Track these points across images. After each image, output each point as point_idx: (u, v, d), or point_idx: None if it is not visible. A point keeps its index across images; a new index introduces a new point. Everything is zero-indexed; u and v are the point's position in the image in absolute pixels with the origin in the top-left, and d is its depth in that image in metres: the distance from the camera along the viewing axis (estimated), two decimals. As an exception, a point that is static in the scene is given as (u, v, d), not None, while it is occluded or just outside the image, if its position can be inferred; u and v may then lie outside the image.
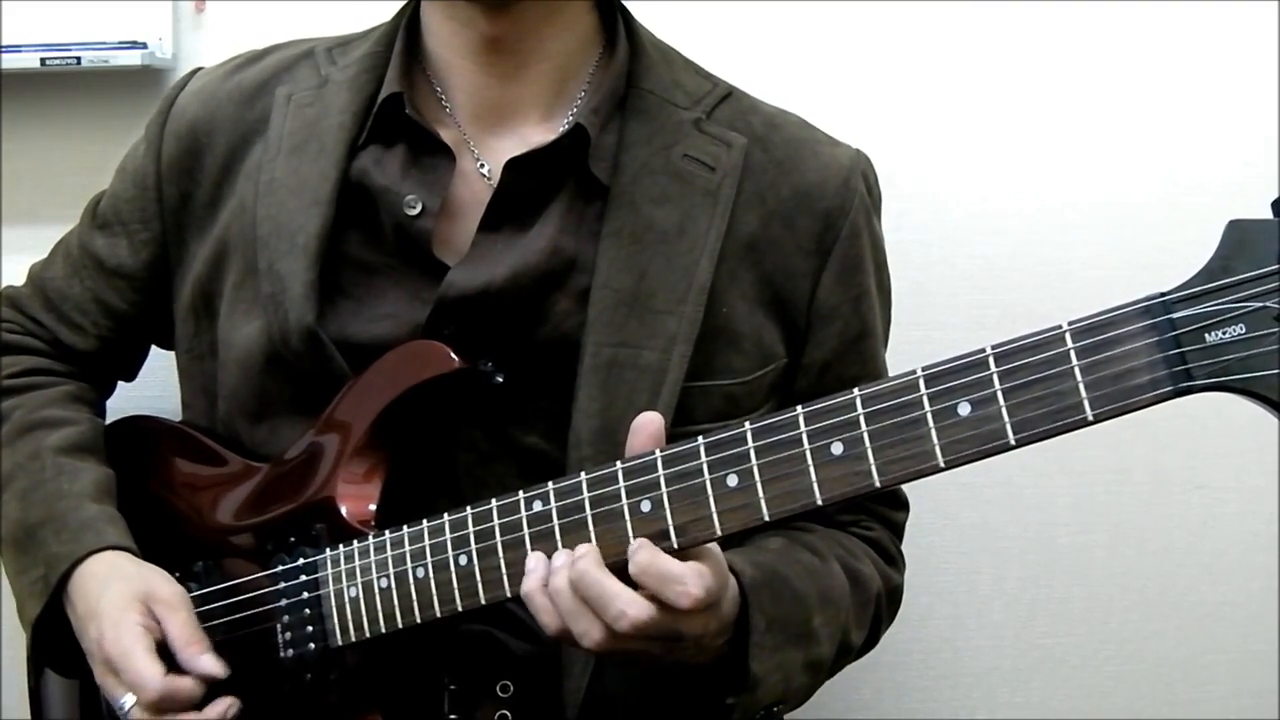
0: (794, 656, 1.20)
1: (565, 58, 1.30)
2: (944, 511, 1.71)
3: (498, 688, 1.24)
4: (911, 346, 1.38)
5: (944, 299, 1.71)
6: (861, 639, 1.32)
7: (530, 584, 1.08)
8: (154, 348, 1.50)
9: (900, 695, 1.77)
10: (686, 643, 1.08)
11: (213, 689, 1.24)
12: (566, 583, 1.06)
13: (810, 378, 1.31)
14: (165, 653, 1.24)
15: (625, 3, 1.36)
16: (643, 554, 1.04)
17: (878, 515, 1.39)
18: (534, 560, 1.09)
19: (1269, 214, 0.91)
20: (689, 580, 1.03)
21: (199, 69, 1.43)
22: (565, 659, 1.21)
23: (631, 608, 1.03)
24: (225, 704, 1.24)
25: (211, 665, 1.23)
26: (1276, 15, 1.66)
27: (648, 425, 1.08)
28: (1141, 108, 1.69)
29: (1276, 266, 0.88)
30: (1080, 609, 1.76)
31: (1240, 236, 0.91)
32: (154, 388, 1.56)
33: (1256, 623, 1.74)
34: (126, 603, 1.24)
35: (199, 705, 1.23)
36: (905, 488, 1.41)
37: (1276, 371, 0.88)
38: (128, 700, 1.22)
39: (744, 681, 1.16)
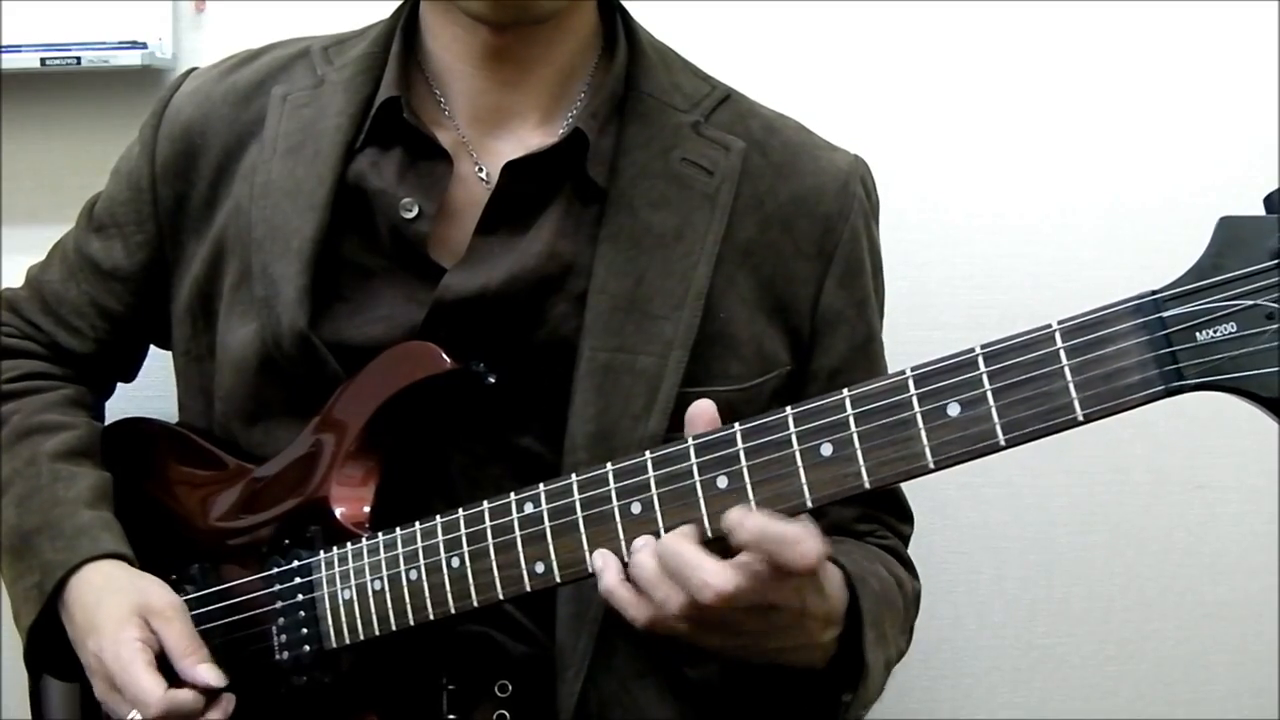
0: (880, 655, 1.20)
1: (567, 62, 1.29)
2: (944, 511, 1.71)
3: (496, 688, 1.24)
4: (911, 346, 1.36)
5: (944, 299, 1.70)
6: (906, 645, 1.31)
7: (609, 580, 1.05)
8: (153, 348, 1.50)
9: (901, 695, 1.76)
10: (785, 616, 1.05)
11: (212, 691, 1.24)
12: (653, 559, 1.03)
13: (820, 385, 1.30)
14: (165, 663, 1.23)
15: (625, 3, 1.35)
16: (753, 520, 0.99)
17: (888, 526, 1.38)
18: (600, 559, 1.07)
19: (1262, 211, 0.90)
20: (806, 540, 0.98)
21: (193, 69, 1.43)
22: (561, 661, 1.21)
23: (715, 578, 0.99)
24: (224, 703, 1.23)
25: (209, 675, 1.22)
26: (1276, 15, 1.65)
27: (704, 413, 1.07)
28: (1141, 108, 1.69)
29: (1268, 264, 0.88)
30: (1080, 609, 1.76)
31: (1231, 233, 0.90)
32: (152, 388, 1.55)
33: (1256, 623, 1.74)
34: (124, 617, 1.24)
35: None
36: (907, 491, 1.41)
37: (1268, 370, 0.87)
38: (135, 716, 1.21)
39: (859, 673, 1.15)
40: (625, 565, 1.06)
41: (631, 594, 1.05)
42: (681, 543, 1.02)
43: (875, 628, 1.17)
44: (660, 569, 1.03)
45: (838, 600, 1.12)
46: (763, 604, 1.02)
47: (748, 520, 0.99)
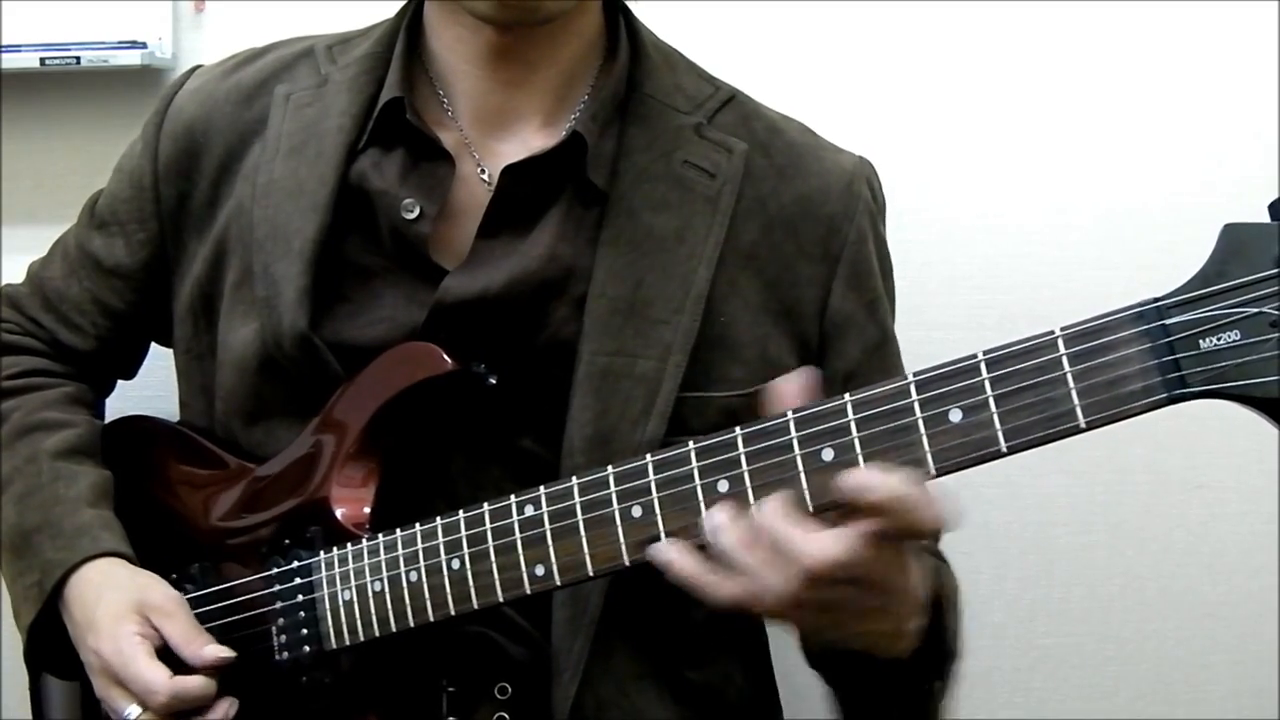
0: (957, 648, 1.20)
1: (571, 63, 1.29)
2: (944, 511, 1.71)
3: (495, 690, 1.23)
4: (912, 346, 1.37)
5: (944, 299, 1.70)
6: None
7: (687, 565, 1.02)
8: (154, 346, 1.50)
9: (901, 695, 1.77)
10: (881, 596, 1.01)
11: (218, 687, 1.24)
12: (734, 534, 1.00)
13: (835, 391, 1.28)
14: (167, 659, 1.23)
15: (630, 4, 1.34)
16: (888, 481, 0.95)
17: None
18: (669, 548, 1.03)
19: (1266, 217, 0.90)
20: (938, 501, 0.96)
21: (197, 67, 1.43)
22: (556, 663, 1.21)
23: (816, 545, 0.96)
24: (226, 704, 1.24)
25: (218, 650, 1.23)
26: (1276, 15, 1.65)
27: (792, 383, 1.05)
28: (1142, 108, 1.68)
29: (1272, 271, 0.87)
30: (1080, 609, 1.75)
31: (1236, 240, 0.90)
32: (153, 387, 1.55)
33: (1256, 623, 1.73)
34: (122, 612, 1.24)
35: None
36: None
37: (1272, 379, 0.87)
38: (132, 711, 1.22)
39: (945, 662, 1.15)
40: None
41: (717, 574, 1.01)
42: (777, 512, 0.99)
43: (954, 622, 1.18)
44: (749, 541, 0.99)
45: (924, 590, 1.08)
46: (864, 578, 0.99)
47: (879, 481, 0.96)
